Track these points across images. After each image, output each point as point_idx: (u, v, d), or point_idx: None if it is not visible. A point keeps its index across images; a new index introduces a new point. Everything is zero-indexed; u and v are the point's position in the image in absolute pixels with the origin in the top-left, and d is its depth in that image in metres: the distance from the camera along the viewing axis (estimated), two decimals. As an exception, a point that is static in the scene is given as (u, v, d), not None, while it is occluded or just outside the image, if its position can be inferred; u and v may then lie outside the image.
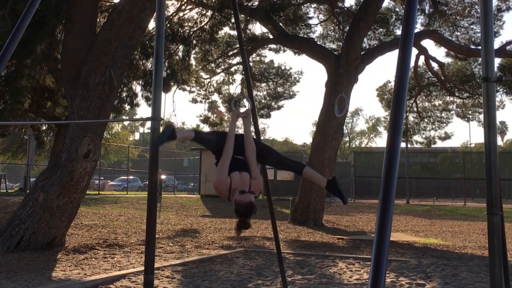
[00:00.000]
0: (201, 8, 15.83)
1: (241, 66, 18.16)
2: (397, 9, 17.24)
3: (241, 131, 4.03)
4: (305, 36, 17.30)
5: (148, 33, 12.84)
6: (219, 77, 20.18)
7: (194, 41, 15.88)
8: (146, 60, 14.32)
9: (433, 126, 22.98)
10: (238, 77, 20.51)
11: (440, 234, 11.75)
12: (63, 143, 8.04)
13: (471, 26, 16.63)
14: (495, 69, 3.07)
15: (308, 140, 57.98)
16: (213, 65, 18.85)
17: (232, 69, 19.70)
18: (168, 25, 14.37)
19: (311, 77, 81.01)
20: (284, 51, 19.15)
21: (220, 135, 3.88)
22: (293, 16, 16.53)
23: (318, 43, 17.17)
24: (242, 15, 15.16)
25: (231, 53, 18.44)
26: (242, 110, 4.03)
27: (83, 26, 8.20)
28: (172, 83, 15.55)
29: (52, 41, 9.88)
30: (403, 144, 24.45)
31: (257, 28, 27.98)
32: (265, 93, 21.35)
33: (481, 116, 20.13)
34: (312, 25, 18.31)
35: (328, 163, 13.23)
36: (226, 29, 17.18)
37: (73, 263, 6.53)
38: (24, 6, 3.09)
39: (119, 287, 5.21)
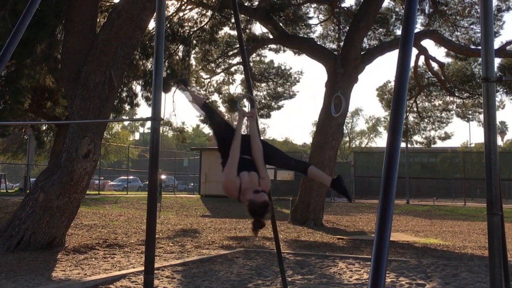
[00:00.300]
0: (201, 8, 15.83)
1: (241, 66, 18.16)
2: (397, 9, 17.25)
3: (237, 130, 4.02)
4: (305, 36, 17.30)
5: (148, 33, 12.84)
6: (219, 77, 20.19)
7: (194, 41, 15.89)
8: (146, 60, 14.32)
9: (433, 126, 22.98)
10: (238, 77, 20.53)
11: (440, 234, 11.75)
12: (63, 143, 8.04)
13: (471, 26, 16.64)
14: (495, 69, 3.07)
15: (308, 140, 58.00)
16: (213, 65, 18.85)
17: (232, 69, 19.70)
18: (168, 25, 14.37)
19: (311, 77, 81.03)
20: (284, 51, 19.16)
21: (229, 125, 3.89)
22: (293, 16, 16.53)
23: (318, 43, 17.17)
24: (242, 15, 15.16)
25: (231, 53, 18.45)
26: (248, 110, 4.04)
27: (83, 26, 8.20)
28: (172, 83, 15.54)
29: (52, 41, 9.88)
30: (403, 144, 24.45)
31: (257, 28, 27.99)
32: (265, 93, 21.35)
33: (481, 116, 20.13)
34: (312, 25, 18.33)
35: (328, 163, 13.23)
36: (226, 29, 17.20)
37: (73, 263, 6.53)
38: (24, 6, 3.09)
39: (119, 287, 5.21)
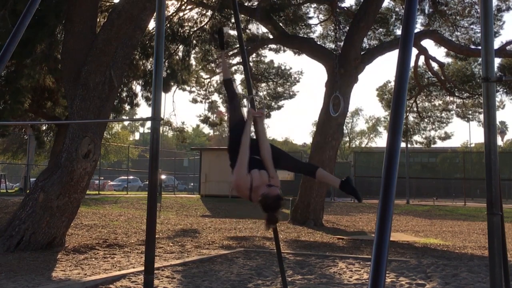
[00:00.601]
0: (201, 8, 15.83)
1: (241, 66, 18.16)
2: (397, 9, 17.24)
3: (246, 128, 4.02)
4: (305, 36, 17.30)
5: (148, 33, 12.84)
6: (219, 77, 20.17)
7: (194, 41, 15.88)
8: (146, 60, 14.32)
9: (433, 126, 22.98)
10: (238, 77, 20.53)
11: (440, 234, 11.75)
12: (63, 143, 8.04)
13: (471, 26, 16.64)
14: (495, 69, 3.07)
15: (308, 140, 58.00)
16: (213, 65, 18.85)
17: (232, 69, 19.69)
18: (168, 25, 14.36)
19: (311, 77, 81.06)
20: (284, 51, 19.16)
21: (242, 118, 3.90)
22: (293, 16, 16.53)
23: (318, 43, 17.18)
24: (242, 15, 15.16)
25: (231, 53, 18.44)
26: (256, 110, 4.04)
27: (83, 26, 8.20)
28: (172, 83, 15.55)
29: (52, 41, 9.88)
30: (403, 144, 24.45)
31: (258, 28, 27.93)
32: (265, 93, 21.35)
33: (481, 116, 20.13)
34: (312, 25, 18.33)
35: (328, 163, 13.22)
36: (226, 29, 17.18)
37: (73, 263, 6.53)
38: (24, 6, 3.09)
39: (119, 287, 5.21)
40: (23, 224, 7.39)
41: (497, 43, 14.91)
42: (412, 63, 15.03)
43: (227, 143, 4.04)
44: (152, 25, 11.71)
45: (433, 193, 31.37)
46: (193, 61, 17.62)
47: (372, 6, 13.73)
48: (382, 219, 1.65)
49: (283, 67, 21.28)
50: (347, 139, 52.44)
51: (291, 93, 21.94)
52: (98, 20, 9.88)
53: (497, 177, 2.85)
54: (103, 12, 12.11)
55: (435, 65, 17.85)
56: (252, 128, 3.92)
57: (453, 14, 16.65)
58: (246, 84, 5.13)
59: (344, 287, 5.48)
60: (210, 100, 20.65)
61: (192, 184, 38.15)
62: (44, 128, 21.61)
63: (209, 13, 15.75)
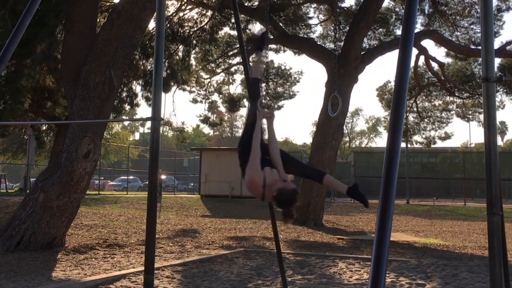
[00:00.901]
0: (201, 8, 15.83)
1: (241, 66, 18.16)
2: (397, 9, 17.25)
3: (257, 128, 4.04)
4: (305, 36, 17.30)
5: (148, 33, 12.84)
6: (219, 77, 20.19)
7: (194, 41, 15.88)
8: (146, 60, 14.32)
9: (433, 126, 22.99)
10: (238, 77, 20.52)
11: (440, 234, 11.75)
12: (63, 143, 8.04)
13: (471, 26, 16.64)
14: (495, 69, 3.07)
15: (308, 140, 57.98)
16: (213, 65, 18.85)
17: (232, 69, 19.71)
18: (168, 25, 14.37)
19: (311, 77, 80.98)
20: (284, 51, 19.15)
21: (251, 123, 3.92)
22: (293, 16, 16.53)
23: (318, 43, 17.17)
24: (242, 15, 15.16)
25: (231, 53, 18.45)
26: (267, 110, 4.05)
27: (83, 26, 8.20)
28: (172, 83, 15.55)
29: (52, 41, 9.88)
30: (403, 144, 24.44)
31: (257, 28, 27.93)
32: (265, 93, 21.33)
33: (481, 116, 20.14)
34: (312, 25, 18.33)
35: (328, 163, 13.23)
36: (226, 29, 17.20)
37: (73, 263, 6.53)
38: (24, 6, 3.09)
39: (119, 287, 5.21)
40: (23, 224, 7.39)
41: (497, 43, 14.92)
42: (412, 63, 15.03)
43: (239, 140, 4.06)
44: (152, 25, 11.72)
45: (433, 193, 31.38)
46: (193, 61, 17.64)
47: (372, 6, 13.73)
48: (382, 219, 1.65)
49: (283, 67, 21.29)
50: (347, 139, 52.43)
51: (291, 93, 21.96)
52: (98, 20, 9.88)
53: (497, 177, 2.85)
54: (103, 12, 12.11)
55: (435, 65, 17.85)
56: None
57: (453, 14, 16.65)
58: (246, 84, 5.13)
59: (344, 287, 5.48)
60: (210, 100, 20.65)
61: (192, 184, 38.16)
62: (44, 128, 21.61)
63: (209, 13, 15.75)
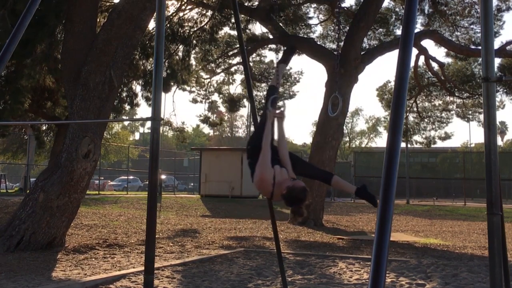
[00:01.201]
0: (201, 8, 15.83)
1: (241, 66, 18.16)
2: (397, 9, 17.25)
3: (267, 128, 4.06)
4: (305, 36, 17.30)
5: (148, 33, 12.84)
6: (219, 77, 20.18)
7: (194, 41, 15.88)
8: (146, 60, 14.32)
9: (433, 126, 22.97)
10: (238, 77, 20.52)
11: (440, 234, 11.75)
12: (63, 143, 8.04)
13: (471, 26, 16.64)
14: (495, 69, 3.07)
15: (308, 140, 58.00)
16: (213, 65, 18.84)
17: (232, 69, 19.70)
18: (168, 25, 14.37)
19: (311, 77, 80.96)
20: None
21: (264, 123, 3.94)
22: (293, 16, 16.53)
23: (318, 43, 17.17)
24: (242, 15, 15.17)
25: (231, 53, 18.44)
26: (278, 110, 4.06)
27: (83, 26, 8.20)
28: (172, 83, 15.55)
29: (52, 41, 9.88)
30: (403, 144, 24.45)
31: (257, 28, 27.99)
32: (265, 93, 21.33)
33: (481, 116, 20.14)
34: (312, 25, 18.33)
35: (328, 163, 13.22)
36: (226, 29, 17.20)
37: (73, 263, 6.53)
38: (24, 6, 3.09)
39: (119, 287, 5.21)
40: (23, 224, 7.39)
41: (497, 43, 14.91)
42: (412, 63, 15.03)
43: (249, 139, 4.07)
44: (152, 25, 11.72)
45: (433, 193, 31.38)
46: (193, 61, 17.64)
47: (372, 6, 13.73)
48: (382, 219, 1.65)
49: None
50: (347, 139, 52.43)
51: (291, 93, 21.95)
52: (98, 20, 9.88)
53: (497, 177, 2.85)
54: (103, 12, 12.11)
55: (435, 65, 17.85)
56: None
57: (453, 14, 16.65)
58: (246, 84, 5.13)
59: (344, 287, 5.48)
60: (210, 100, 20.65)
61: (192, 184, 38.15)
62: (44, 128, 21.62)
63: (209, 13, 15.75)
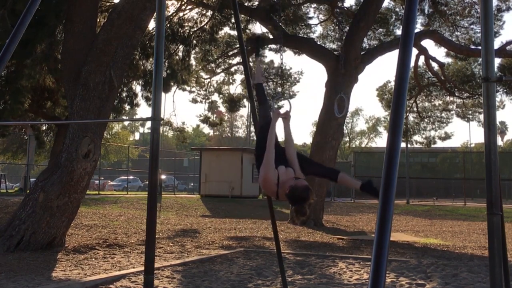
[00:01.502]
0: (201, 8, 15.82)
1: (241, 66, 18.16)
2: (397, 9, 17.24)
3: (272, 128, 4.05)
4: (305, 36, 17.30)
5: (148, 33, 12.84)
6: (219, 77, 20.17)
7: (194, 41, 15.88)
8: (146, 60, 14.32)
9: (433, 126, 22.97)
10: (238, 77, 20.52)
11: (440, 234, 11.75)
12: (63, 143, 8.04)
13: (471, 26, 16.63)
14: (495, 69, 3.07)
15: (308, 140, 57.96)
16: (213, 65, 18.83)
17: (232, 69, 19.69)
18: (168, 25, 14.36)
19: (311, 77, 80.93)
20: (284, 51, 19.12)
21: (268, 119, 3.92)
22: (293, 16, 16.52)
23: (318, 43, 17.17)
24: (242, 15, 15.16)
25: (231, 53, 18.44)
26: (283, 110, 4.05)
27: (83, 26, 8.20)
28: (172, 83, 15.54)
29: (52, 41, 9.88)
30: (403, 144, 24.44)
31: (257, 28, 27.91)
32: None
33: (481, 116, 20.13)
34: (312, 25, 18.32)
35: (328, 163, 13.20)
36: (226, 29, 17.19)
37: (73, 263, 6.53)
38: (24, 6, 3.09)
39: (119, 287, 5.21)
40: (23, 224, 7.39)
41: (497, 43, 14.91)
42: (412, 63, 15.02)
43: (256, 143, 4.07)
44: (152, 25, 11.72)
45: (433, 193, 31.37)
46: (193, 61, 17.63)
47: (372, 6, 13.73)
48: (382, 219, 1.65)
49: (283, 67, 21.25)
50: (347, 139, 52.43)
51: (291, 93, 21.95)
52: (98, 20, 9.88)
53: (497, 177, 2.85)
54: (103, 12, 12.11)
55: (435, 65, 17.84)
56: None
57: (453, 14, 16.64)
58: (246, 84, 5.13)
59: (344, 287, 5.48)
60: (210, 100, 20.64)
61: (192, 184, 38.15)
62: (44, 128, 21.62)
63: (209, 13, 15.75)
